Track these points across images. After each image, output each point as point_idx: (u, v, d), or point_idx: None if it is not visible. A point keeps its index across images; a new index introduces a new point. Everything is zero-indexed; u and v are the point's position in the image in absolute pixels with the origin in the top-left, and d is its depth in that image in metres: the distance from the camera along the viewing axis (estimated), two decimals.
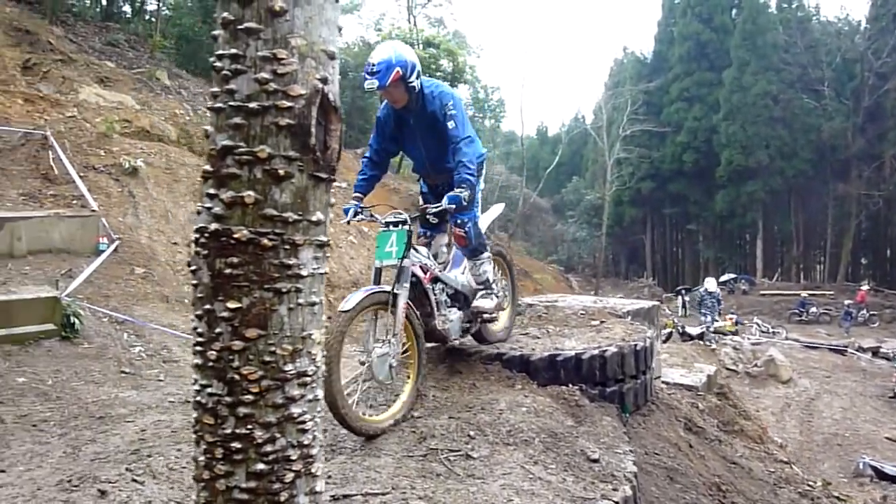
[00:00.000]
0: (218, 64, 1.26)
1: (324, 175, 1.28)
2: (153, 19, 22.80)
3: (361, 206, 4.41)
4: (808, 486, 6.94)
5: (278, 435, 1.24)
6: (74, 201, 10.85)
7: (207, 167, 1.25)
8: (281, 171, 1.23)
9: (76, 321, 8.10)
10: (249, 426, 1.22)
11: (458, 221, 4.47)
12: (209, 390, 1.25)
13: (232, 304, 1.22)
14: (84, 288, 9.24)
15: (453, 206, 4.11)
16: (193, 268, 1.27)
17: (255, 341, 1.23)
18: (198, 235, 1.25)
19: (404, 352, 4.16)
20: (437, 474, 3.61)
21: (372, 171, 4.63)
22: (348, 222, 4.42)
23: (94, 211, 10.56)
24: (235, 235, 1.21)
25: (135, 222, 11.44)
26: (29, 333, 7.64)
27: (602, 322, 6.18)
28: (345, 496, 3.13)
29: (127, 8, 23.72)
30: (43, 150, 11.61)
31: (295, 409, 1.26)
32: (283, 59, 1.21)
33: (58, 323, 7.93)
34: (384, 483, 3.43)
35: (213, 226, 1.23)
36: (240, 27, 1.21)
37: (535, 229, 42.30)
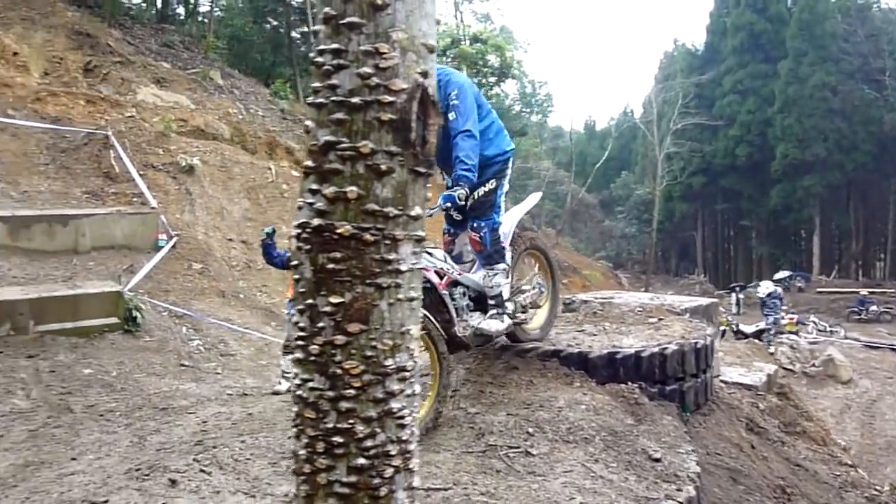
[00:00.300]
0: (319, 59, 1.26)
1: (422, 170, 1.28)
2: (206, 20, 23.28)
3: None
4: (875, 490, 6.73)
5: (378, 430, 1.25)
6: (135, 199, 11.17)
7: (309, 163, 1.26)
8: (383, 167, 1.23)
9: (138, 315, 8.34)
10: (351, 421, 1.23)
11: (474, 226, 4.26)
12: (311, 384, 1.26)
13: (334, 299, 1.23)
14: (144, 283, 9.51)
15: (449, 206, 3.89)
16: (295, 262, 1.28)
17: (356, 336, 1.23)
18: (299, 231, 1.26)
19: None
20: (496, 470, 3.61)
21: None
22: None
23: (153, 208, 10.85)
24: (338, 231, 1.22)
25: (191, 219, 11.72)
26: (94, 326, 7.89)
27: (660, 319, 6.11)
28: None
29: (181, 10, 24.28)
30: (104, 150, 11.97)
31: (394, 404, 1.26)
32: (385, 53, 1.21)
33: (121, 317, 8.17)
34: (445, 478, 3.44)
35: (316, 221, 1.24)
36: (342, 22, 1.22)
37: (582, 225, 41.87)
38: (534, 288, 4.86)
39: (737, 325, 20.20)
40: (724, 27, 43.89)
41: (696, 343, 5.20)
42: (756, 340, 18.53)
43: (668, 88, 38.29)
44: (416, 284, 1.32)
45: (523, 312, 4.68)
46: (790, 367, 16.86)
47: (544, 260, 5.08)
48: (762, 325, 19.34)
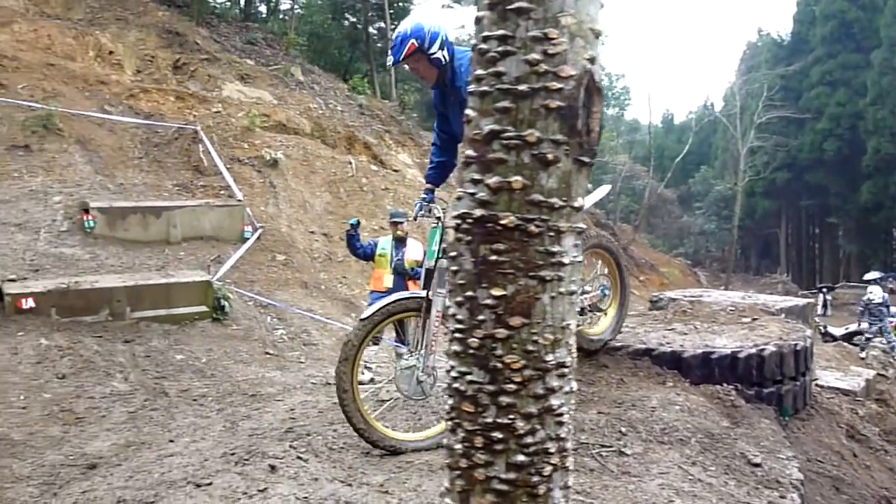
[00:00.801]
0: (483, 46, 1.24)
1: (586, 159, 1.24)
2: (287, 18, 23.84)
3: (433, 196, 3.98)
4: None
5: (538, 426, 1.22)
6: (222, 191, 11.55)
7: (470, 152, 1.24)
8: (549, 156, 1.19)
9: (226, 304, 8.62)
10: (511, 416, 1.21)
11: None
12: (469, 378, 1.24)
13: (496, 292, 1.20)
14: (231, 273, 9.82)
15: None
16: (453, 254, 1.26)
17: (518, 330, 1.21)
18: (459, 221, 1.24)
19: None
20: (590, 469, 3.54)
21: (440, 157, 4.20)
22: (415, 219, 3.99)
23: (239, 201, 11.18)
24: (502, 221, 1.19)
25: (275, 212, 12.02)
26: (185, 314, 8.20)
27: (754, 319, 5.88)
28: None
29: (263, 8, 24.93)
30: (193, 144, 12.42)
31: (554, 401, 1.23)
32: (553, 38, 1.17)
33: (210, 305, 8.46)
34: None
35: (478, 212, 1.21)
36: (509, 7, 1.19)
37: (659, 221, 40.84)
38: (596, 290, 4.59)
39: (825, 328, 19.31)
40: (813, 16, 41.91)
41: (795, 345, 4.97)
42: (845, 344, 17.67)
43: (752, 80, 36.83)
44: (576, 278, 1.29)
45: (580, 314, 4.38)
46: (883, 372, 16.00)
47: (612, 261, 4.69)
48: (852, 328, 18.43)
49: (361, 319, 3.59)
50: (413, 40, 3.60)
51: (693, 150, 41.81)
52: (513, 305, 1.20)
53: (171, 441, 4.84)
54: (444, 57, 3.69)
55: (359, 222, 7.33)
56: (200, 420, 5.48)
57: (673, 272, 28.90)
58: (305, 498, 3.19)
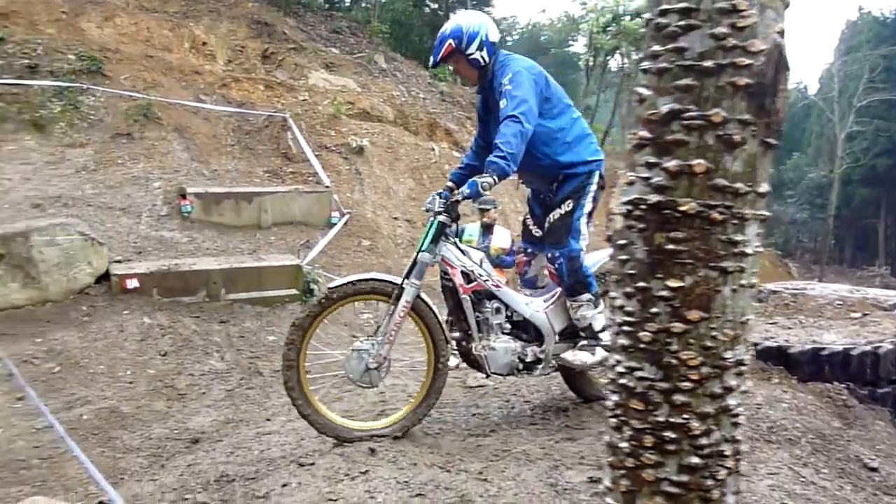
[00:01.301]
0: (662, 20, 1.16)
1: (773, 141, 1.15)
2: (369, 6, 24.04)
3: (450, 194, 3.81)
4: None
5: (714, 427, 1.15)
6: (310, 178, 11.78)
7: (644, 133, 1.17)
8: (736, 137, 1.11)
9: (315, 287, 8.79)
10: (685, 416, 1.14)
11: (548, 256, 3.86)
12: (639, 374, 1.17)
13: (673, 283, 1.13)
14: (319, 257, 10.01)
15: (468, 194, 3.42)
16: (622, 242, 1.20)
17: (696, 324, 1.13)
18: (631, 208, 1.17)
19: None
20: None
21: (472, 161, 4.11)
22: (426, 210, 3.88)
23: (327, 187, 11.37)
24: (682, 208, 1.11)
25: (361, 198, 12.18)
26: (276, 297, 8.40)
27: (865, 314, 5.54)
28: (591, 479, 3.05)
29: None
30: (282, 131, 12.70)
31: (731, 401, 1.16)
32: (742, 10, 1.08)
33: (299, 288, 8.64)
34: None
35: (654, 197, 1.14)
36: None
37: None
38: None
39: None
40: None
41: None
42: None
43: (852, 61, 34.79)
44: (756, 270, 1.20)
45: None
46: None
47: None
48: None
49: (329, 288, 3.53)
50: (451, 40, 3.67)
51: (785, 136, 39.89)
52: (691, 298, 1.12)
53: (268, 420, 4.96)
54: (482, 58, 3.71)
55: None
56: None
57: (762, 263, 27.74)
58: (406, 482, 3.20)
